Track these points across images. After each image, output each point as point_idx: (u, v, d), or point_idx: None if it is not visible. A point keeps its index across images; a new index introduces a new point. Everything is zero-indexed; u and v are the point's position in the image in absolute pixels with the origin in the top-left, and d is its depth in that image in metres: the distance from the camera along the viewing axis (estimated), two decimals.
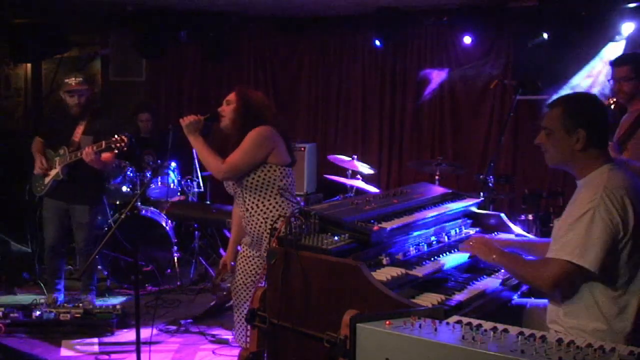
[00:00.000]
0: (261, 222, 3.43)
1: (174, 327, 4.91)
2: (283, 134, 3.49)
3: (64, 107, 5.13)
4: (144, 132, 6.71)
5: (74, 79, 5.03)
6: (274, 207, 3.41)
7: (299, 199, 3.47)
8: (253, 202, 3.44)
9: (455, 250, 3.09)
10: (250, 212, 3.45)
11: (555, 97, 2.66)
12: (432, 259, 2.91)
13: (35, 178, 5.17)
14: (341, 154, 6.49)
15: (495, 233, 3.39)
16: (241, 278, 3.55)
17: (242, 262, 3.56)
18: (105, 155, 4.94)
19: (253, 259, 3.50)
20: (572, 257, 2.36)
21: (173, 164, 6.35)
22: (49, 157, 5.07)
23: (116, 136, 4.74)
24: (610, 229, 2.36)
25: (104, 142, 4.76)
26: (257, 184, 3.41)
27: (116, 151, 4.81)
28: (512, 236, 3.35)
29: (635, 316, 2.45)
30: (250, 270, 3.51)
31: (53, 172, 5.03)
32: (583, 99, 2.64)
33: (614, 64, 3.95)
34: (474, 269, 3.06)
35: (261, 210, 3.42)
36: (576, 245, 2.36)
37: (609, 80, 4.04)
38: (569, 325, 2.49)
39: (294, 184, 3.54)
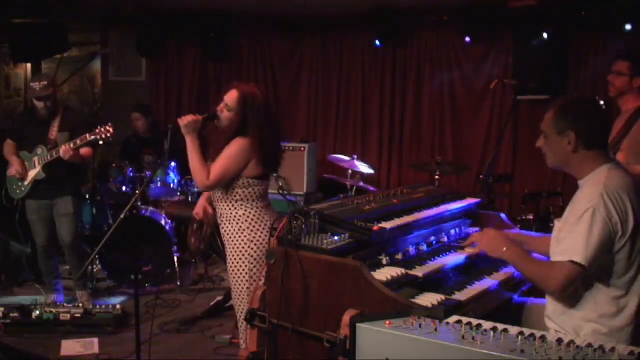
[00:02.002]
0: (219, 217, 3.57)
1: (174, 327, 4.91)
2: (265, 146, 3.45)
3: (33, 109, 5.10)
4: (141, 132, 6.71)
5: (38, 83, 4.95)
6: (228, 208, 3.49)
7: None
8: (218, 200, 3.56)
9: (455, 250, 3.09)
10: (216, 206, 3.60)
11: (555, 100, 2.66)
12: (432, 259, 2.91)
13: (11, 182, 5.12)
14: (341, 154, 6.50)
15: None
16: (232, 280, 3.56)
17: (230, 264, 3.57)
18: (84, 150, 4.93)
19: (239, 261, 3.50)
20: (577, 257, 2.35)
21: (173, 164, 6.35)
22: (25, 159, 5.03)
23: (100, 127, 4.69)
24: (608, 227, 2.37)
25: (88, 135, 4.71)
26: (224, 189, 3.49)
27: (101, 142, 4.75)
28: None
29: (635, 317, 2.45)
30: (238, 272, 3.52)
31: (33, 173, 5.00)
32: (573, 101, 2.62)
33: (617, 56, 3.98)
34: (474, 269, 3.06)
35: (221, 208, 3.55)
36: (580, 245, 2.36)
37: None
38: (567, 325, 2.49)
39: (262, 192, 3.53)
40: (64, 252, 5.27)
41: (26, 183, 5.04)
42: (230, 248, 3.51)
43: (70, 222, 5.10)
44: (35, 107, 5.04)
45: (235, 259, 3.49)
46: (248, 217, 3.47)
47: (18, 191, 5.09)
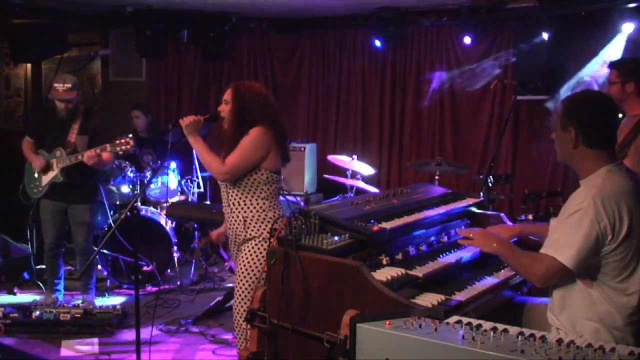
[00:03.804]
0: (240, 222, 3.49)
1: (174, 327, 4.91)
2: (278, 134, 3.49)
3: (52, 107, 5.07)
4: (140, 131, 6.71)
5: (62, 84, 4.90)
6: (255, 209, 3.46)
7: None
8: (236, 201, 3.50)
9: (455, 250, 3.09)
10: (232, 209, 3.52)
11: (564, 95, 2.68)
12: (432, 259, 2.91)
13: (29, 180, 5.13)
14: (341, 154, 6.49)
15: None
16: (244, 280, 3.53)
17: (248, 264, 3.55)
18: (106, 155, 4.93)
19: (246, 262, 3.48)
20: (557, 254, 2.40)
21: (173, 164, 6.35)
22: (44, 158, 5.04)
23: (121, 139, 4.74)
24: (596, 231, 2.37)
25: (108, 146, 4.75)
26: (245, 185, 3.46)
27: (120, 153, 4.81)
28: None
29: (632, 316, 2.45)
30: (245, 272, 3.50)
31: (51, 174, 5.00)
32: (580, 98, 2.62)
33: (608, 66, 3.99)
34: (474, 268, 3.06)
35: (242, 209, 3.48)
36: (562, 243, 2.41)
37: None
38: (566, 323, 2.50)
39: (280, 189, 3.58)
40: (76, 254, 5.31)
41: (43, 184, 5.04)
42: (254, 249, 3.45)
43: (87, 229, 5.16)
44: (55, 106, 5.02)
45: (259, 260, 3.44)
46: (278, 218, 3.40)
47: (35, 190, 5.10)
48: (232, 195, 3.51)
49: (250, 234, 3.47)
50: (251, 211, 3.46)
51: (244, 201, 3.47)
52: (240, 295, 3.49)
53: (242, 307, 3.48)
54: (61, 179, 4.96)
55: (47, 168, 5.01)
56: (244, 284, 3.47)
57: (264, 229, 3.44)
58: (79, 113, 5.06)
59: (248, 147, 3.40)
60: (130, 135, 4.82)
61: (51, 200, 5.09)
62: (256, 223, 3.46)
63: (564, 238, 2.41)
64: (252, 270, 3.45)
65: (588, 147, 2.49)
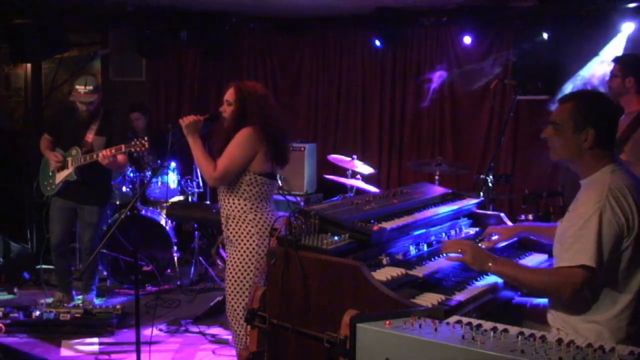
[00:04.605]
0: (223, 219, 3.55)
1: (174, 327, 4.91)
2: (270, 136, 3.47)
3: (73, 107, 5.09)
4: (139, 132, 6.71)
5: (84, 87, 4.92)
6: (236, 208, 3.48)
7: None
8: (221, 198, 3.56)
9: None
10: (221, 204, 3.58)
11: (568, 92, 2.64)
12: (432, 259, 2.91)
13: (43, 177, 5.16)
14: (341, 154, 6.49)
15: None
16: (231, 282, 3.53)
17: (232, 266, 3.55)
18: (121, 157, 4.96)
19: (244, 266, 3.49)
20: (588, 261, 2.33)
21: (173, 164, 6.36)
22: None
23: (136, 140, 4.77)
24: (615, 230, 2.36)
25: (123, 146, 4.76)
26: (229, 184, 3.49)
27: (135, 155, 4.85)
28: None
29: (633, 315, 2.45)
30: (240, 276, 3.50)
31: (65, 173, 5.03)
32: (595, 97, 2.58)
33: (612, 60, 4.05)
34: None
35: (225, 207, 3.53)
36: (589, 248, 2.34)
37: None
38: (566, 325, 2.49)
39: (269, 192, 3.55)
40: (77, 253, 5.33)
41: (57, 182, 5.07)
42: (235, 250, 3.48)
43: (93, 230, 5.19)
44: (76, 107, 5.04)
45: (239, 263, 3.45)
46: (258, 222, 3.44)
47: (49, 188, 5.13)
48: (220, 193, 3.57)
49: (231, 233, 3.50)
50: (232, 210, 3.49)
51: (227, 199, 3.51)
52: (227, 295, 3.55)
53: (227, 307, 3.53)
54: (75, 177, 4.98)
55: (62, 166, 5.03)
56: (228, 286, 3.53)
57: (242, 230, 3.46)
58: (99, 114, 5.09)
59: (234, 149, 3.42)
60: (146, 138, 4.83)
61: (62, 198, 5.12)
62: (237, 223, 3.47)
63: (589, 243, 2.33)
64: (231, 272, 3.50)
65: (601, 148, 2.47)
